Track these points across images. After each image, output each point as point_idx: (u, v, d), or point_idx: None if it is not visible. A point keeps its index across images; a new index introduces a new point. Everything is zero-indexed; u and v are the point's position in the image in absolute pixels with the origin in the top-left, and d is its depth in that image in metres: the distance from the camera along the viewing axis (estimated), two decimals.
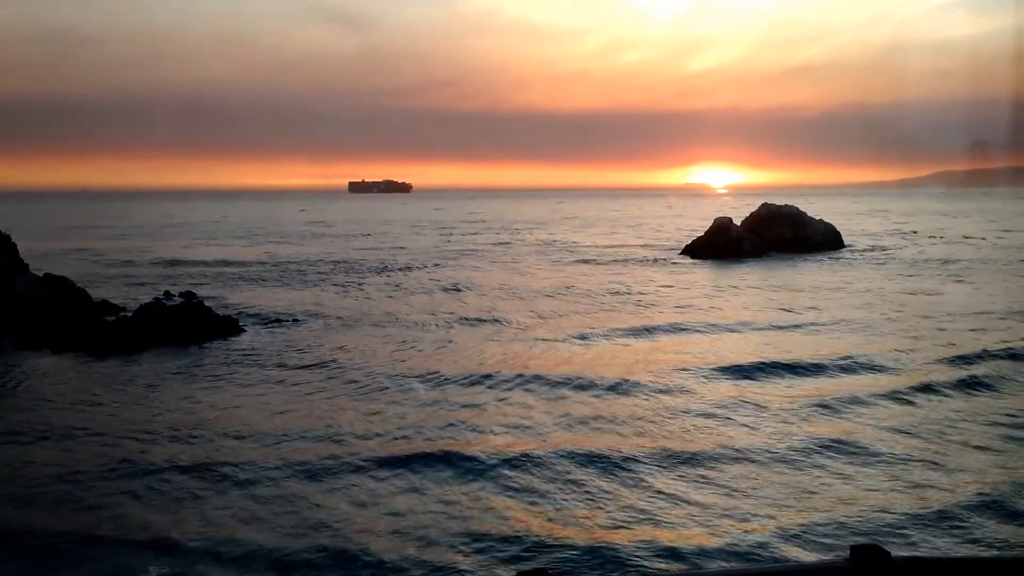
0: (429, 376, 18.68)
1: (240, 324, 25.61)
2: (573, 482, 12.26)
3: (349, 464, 12.97)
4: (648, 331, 24.26)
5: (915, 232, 70.20)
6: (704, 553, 9.88)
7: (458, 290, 34.25)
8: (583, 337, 23.28)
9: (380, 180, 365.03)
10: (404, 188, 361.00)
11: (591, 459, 13.05)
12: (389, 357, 21.06)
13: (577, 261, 48.56)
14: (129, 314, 25.58)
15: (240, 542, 10.35)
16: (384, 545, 10.19)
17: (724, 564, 9.92)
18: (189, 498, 11.78)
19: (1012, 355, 20.08)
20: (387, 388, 17.86)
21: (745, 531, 10.52)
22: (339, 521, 10.98)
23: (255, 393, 17.65)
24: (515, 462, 12.91)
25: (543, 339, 23.15)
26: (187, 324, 23.81)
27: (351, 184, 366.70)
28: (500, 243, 64.59)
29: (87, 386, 18.59)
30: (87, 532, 10.64)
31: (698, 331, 24.30)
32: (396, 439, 14.26)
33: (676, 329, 24.55)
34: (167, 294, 28.50)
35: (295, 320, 27.00)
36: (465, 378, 18.40)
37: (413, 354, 21.44)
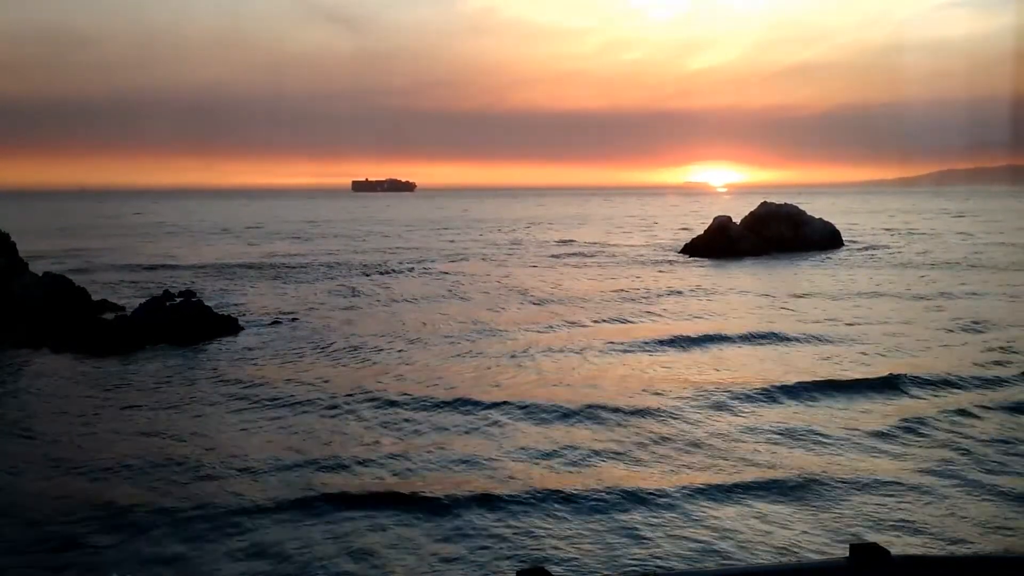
0: (420, 398, 16.99)
1: (239, 323, 25.59)
2: (552, 528, 10.97)
3: (318, 501, 11.75)
4: (653, 344, 22.37)
5: (914, 231, 70.23)
6: None
7: (464, 297, 32.93)
8: (585, 351, 21.61)
9: (384, 179, 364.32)
10: (408, 187, 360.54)
11: (570, 500, 11.71)
12: (380, 371, 19.72)
13: (579, 263, 48.55)
14: (128, 313, 25.58)
15: None
16: None
17: (724, 564, 9.91)
18: (117, 542, 10.66)
19: None
20: (370, 408, 16.38)
21: None
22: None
23: (236, 409, 16.53)
24: (495, 505, 11.57)
25: (548, 354, 21.39)
26: (186, 323, 23.79)
27: (354, 183, 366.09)
28: (502, 243, 64.58)
29: (81, 388, 18.43)
30: None
31: (706, 344, 22.31)
32: (365, 473, 12.84)
33: (684, 341, 22.59)
34: (167, 293, 28.46)
35: (295, 319, 26.97)
36: (463, 403, 16.66)
37: (408, 368, 19.98)
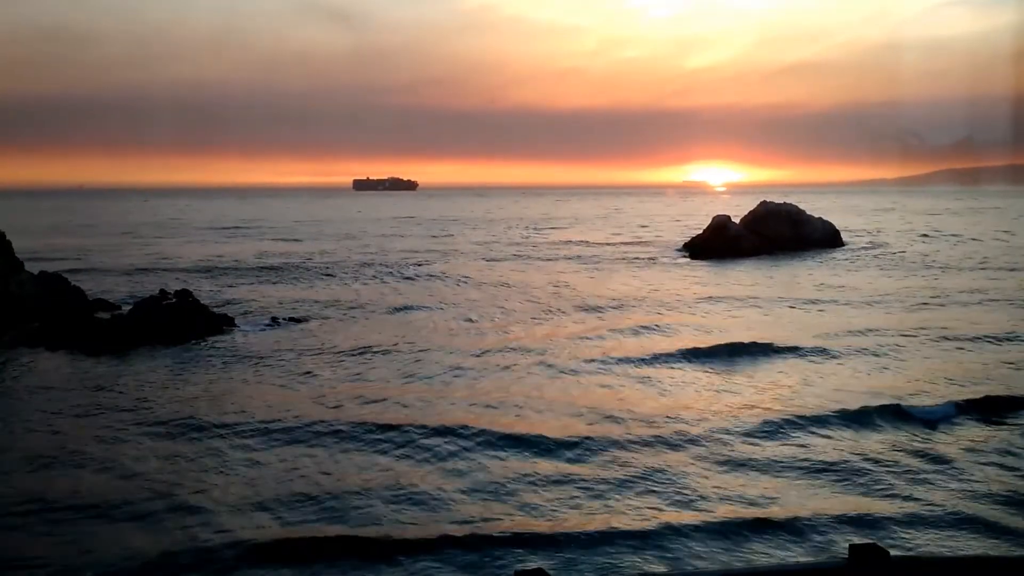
0: (388, 424, 15.33)
1: (235, 323, 25.52)
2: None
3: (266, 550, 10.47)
4: (662, 358, 20.73)
5: (914, 230, 70.16)
6: None
7: (461, 303, 31.36)
8: (573, 368, 19.96)
9: (385, 178, 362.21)
10: (410, 185, 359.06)
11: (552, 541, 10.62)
12: (362, 388, 18.15)
13: (576, 264, 48.53)
14: (124, 312, 25.50)
15: None
16: None
17: (724, 564, 9.81)
18: None
19: None
20: (355, 433, 14.93)
21: None
22: None
23: (194, 426, 15.30)
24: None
25: (540, 369, 19.86)
26: (181, 322, 23.73)
27: (356, 182, 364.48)
28: (501, 244, 64.59)
29: (73, 389, 18.31)
30: None
31: (719, 359, 20.80)
32: (309, 516, 11.44)
33: (694, 356, 21.03)
34: (162, 292, 28.35)
35: (292, 320, 26.84)
36: (448, 430, 15.02)
37: (392, 387, 18.38)
